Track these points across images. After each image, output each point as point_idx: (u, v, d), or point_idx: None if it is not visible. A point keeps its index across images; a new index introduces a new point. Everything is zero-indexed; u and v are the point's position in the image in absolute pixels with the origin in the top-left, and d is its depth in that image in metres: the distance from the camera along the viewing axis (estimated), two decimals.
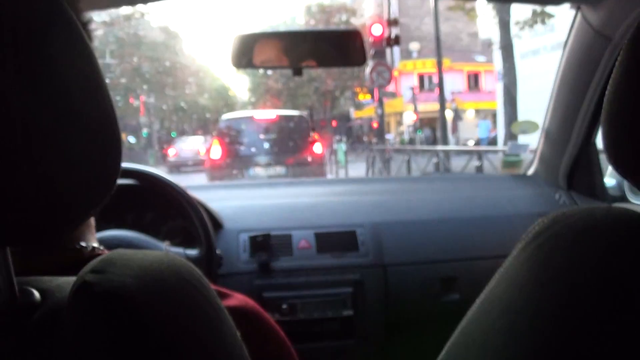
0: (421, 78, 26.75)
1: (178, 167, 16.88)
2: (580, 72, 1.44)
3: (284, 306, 1.36)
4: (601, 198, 1.57)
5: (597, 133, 1.54)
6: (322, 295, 1.38)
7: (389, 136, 21.17)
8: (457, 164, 10.67)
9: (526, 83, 12.19)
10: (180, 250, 1.25)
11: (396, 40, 11.39)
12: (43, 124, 0.35)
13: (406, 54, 26.85)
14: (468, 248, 1.47)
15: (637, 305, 0.34)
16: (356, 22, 24.62)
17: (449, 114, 19.57)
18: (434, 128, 24.82)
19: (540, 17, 11.15)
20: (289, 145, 7.78)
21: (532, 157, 1.84)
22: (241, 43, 1.35)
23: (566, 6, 1.40)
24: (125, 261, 0.40)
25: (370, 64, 11.61)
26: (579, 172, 1.60)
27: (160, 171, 1.29)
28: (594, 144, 1.56)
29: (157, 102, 28.23)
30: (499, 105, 16.51)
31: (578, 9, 1.38)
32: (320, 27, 21.44)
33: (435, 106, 18.24)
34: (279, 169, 7.63)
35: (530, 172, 1.80)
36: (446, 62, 18.26)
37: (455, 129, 22.34)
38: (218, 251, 1.28)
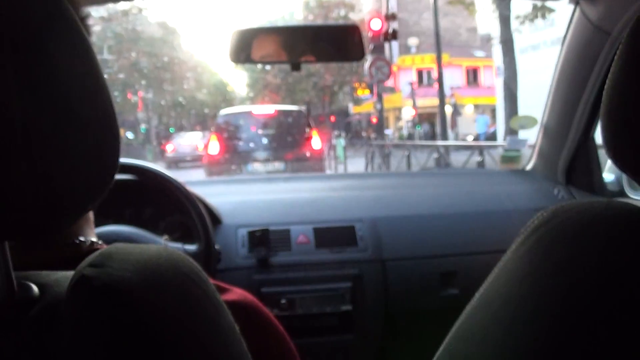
0: (420, 73, 26.72)
1: (176, 162, 16.86)
2: (579, 67, 1.44)
3: (283, 301, 1.36)
4: (600, 193, 1.57)
5: (596, 128, 1.54)
6: (320, 290, 1.39)
7: (388, 131, 21.16)
8: (456, 159, 10.68)
9: (526, 78, 12.18)
10: (178, 245, 1.25)
11: (394, 35, 11.35)
12: (42, 119, 0.35)
13: (405, 49, 26.82)
14: (467, 243, 1.47)
15: (636, 299, 0.34)
16: (355, 17, 24.54)
17: (447, 109, 19.56)
18: (432, 123, 24.82)
19: (540, 12, 11.13)
20: (287, 140, 7.73)
21: (530, 152, 1.85)
22: (239, 38, 1.35)
23: (565, 1, 1.40)
24: (124, 255, 0.40)
25: (369, 59, 11.58)
26: (577, 167, 1.60)
27: (158, 166, 1.29)
28: (593, 139, 1.56)
29: (155, 98, 28.20)
30: (498, 101, 16.51)
31: (577, 3, 1.38)
32: (319, 22, 21.41)
33: (434, 101, 18.24)
34: (278, 165, 7.60)
35: (529, 167, 1.81)
36: (445, 57, 18.23)
37: (454, 124, 22.34)
38: (217, 246, 1.28)
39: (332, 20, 23.04)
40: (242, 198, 1.61)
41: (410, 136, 21.78)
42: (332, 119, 28.47)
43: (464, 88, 26.02)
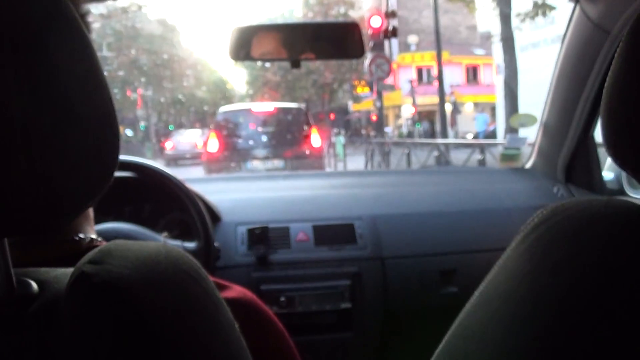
0: (419, 71, 26.71)
1: (175, 160, 16.85)
2: (578, 65, 1.44)
3: (282, 299, 1.36)
4: (599, 191, 1.57)
5: (596, 126, 1.54)
6: (320, 287, 1.39)
7: (388, 129, 21.16)
8: (456, 157, 10.67)
9: (526, 76, 12.16)
10: (178, 242, 1.25)
11: (394, 32, 11.33)
12: (42, 117, 0.35)
13: (404, 47, 26.79)
14: (466, 241, 1.47)
15: (636, 296, 0.34)
16: (354, 14, 24.52)
17: (447, 107, 19.55)
18: (432, 121, 24.82)
19: (541, 9, 11.11)
20: (287, 138, 7.70)
21: (530, 151, 1.85)
22: (239, 35, 1.34)
23: None
24: (123, 252, 0.40)
25: (369, 57, 11.56)
26: (577, 166, 1.60)
27: (158, 164, 1.29)
28: (592, 138, 1.56)
29: (155, 95, 28.17)
30: (498, 99, 16.48)
31: (577, 2, 1.38)
32: (319, 19, 21.37)
33: (434, 99, 18.23)
34: (277, 162, 7.56)
35: (529, 165, 1.81)
36: (445, 55, 18.20)
37: (453, 122, 22.34)
38: (216, 244, 1.28)
39: (332, 18, 23.01)
40: (242, 196, 1.61)
41: (410, 134, 21.78)
42: (332, 116, 28.47)
43: (464, 86, 26.01)
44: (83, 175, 0.39)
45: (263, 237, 1.39)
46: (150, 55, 26.26)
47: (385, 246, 1.44)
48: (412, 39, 27.07)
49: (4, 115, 0.34)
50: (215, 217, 1.42)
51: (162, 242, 1.20)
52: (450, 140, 15.00)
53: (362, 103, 26.92)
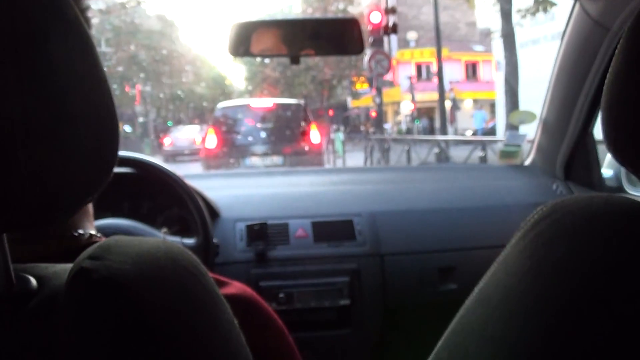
0: (419, 67, 26.70)
1: (174, 156, 16.85)
2: (578, 62, 1.44)
3: (281, 295, 1.36)
4: (598, 189, 1.57)
5: (595, 123, 1.54)
6: (319, 284, 1.39)
7: (387, 125, 21.16)
8: (455, 154, 10.67)
9: (525, 73, 12.15)
10: (177, 239, 1.25)
11: (393, 29, 11.32)
12: (42, 112, 0.35)
13: (404, 43, 26.77)
14: (466, 238, 1.47)
15: (637, 293, 0.34)
16: (353, 10, 24.46)
17: (447, 104, 19.55)
18: (431, 118, 24.84)
19: (542, 5, 11.09)
20: (286, 134, 7.67)
21: (529, 147, 1.85)
22: (238, 31, 1.34)
23: None
24: (123, 248, 0.40)
25: (368, 53, 11.55)
26: (576, 163, 1.60)
27: (157, 160, 1.29)
28: (592, 135, 1.56)
29: (154, 91, 28.14)
30: (498, 95, 16.47)
31: None
32: (318, 15, 21.33)
33: (433, 96, 18.24)
34: (276, 159, 7.54)
35: (528, 162, 1.81)
36: (444, 51, 18.20)
37: (453, 118, 22.34)
38: (215, 240, 1.28)
39: (331, 14, 22.96)
40: (241, 192, 1.61)
41: (409, 130, 21.79)
42: (331, 112, 28.43)
43: (463, 82, 26.01)
44: (82, 171, 0.38)
45: (262, 233, 1.39)
46: (149, 51, 26.22)
47: (385, 243, 1.44)
48: (412, 35, 27.05)
49: (4, 111, 0.34)
50: (214, 213, 1.42)
51: (161, 238, 1.21)
52: (451, 137, 14.99)
53: (361, 99, 26.92)
